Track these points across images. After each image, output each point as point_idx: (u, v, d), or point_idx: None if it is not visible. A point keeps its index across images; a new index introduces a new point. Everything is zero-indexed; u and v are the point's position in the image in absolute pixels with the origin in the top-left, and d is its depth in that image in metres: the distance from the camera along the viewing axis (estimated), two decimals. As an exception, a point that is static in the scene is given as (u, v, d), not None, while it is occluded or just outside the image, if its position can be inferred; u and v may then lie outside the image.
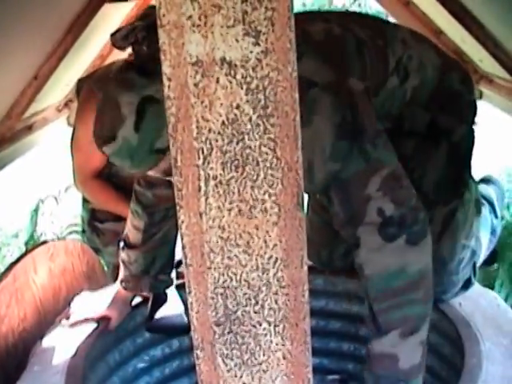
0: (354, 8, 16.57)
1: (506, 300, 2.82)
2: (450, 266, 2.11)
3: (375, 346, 1.70)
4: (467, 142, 2.08)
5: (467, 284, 2.25)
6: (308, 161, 1.64)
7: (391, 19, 3.72)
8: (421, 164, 2.01)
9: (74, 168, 2.79)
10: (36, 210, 5.01)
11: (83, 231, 3.52)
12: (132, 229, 2.35)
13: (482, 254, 2.32)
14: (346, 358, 2.68)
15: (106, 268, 3.06)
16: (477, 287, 2.48)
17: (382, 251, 1.64)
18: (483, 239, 2.31)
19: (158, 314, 2.47)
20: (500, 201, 2.71)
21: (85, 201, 3.27)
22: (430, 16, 3.36)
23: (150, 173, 1.70)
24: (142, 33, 1.61)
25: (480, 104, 3.42)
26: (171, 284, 2.48)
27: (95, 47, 3.79)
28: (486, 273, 4.10)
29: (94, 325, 2.32)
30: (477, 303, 2.29)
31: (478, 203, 2.20)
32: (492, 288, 3.41)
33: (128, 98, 1.55)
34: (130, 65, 1.62)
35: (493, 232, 2.48)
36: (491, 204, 2.59)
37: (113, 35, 1.66)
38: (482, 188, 2.66)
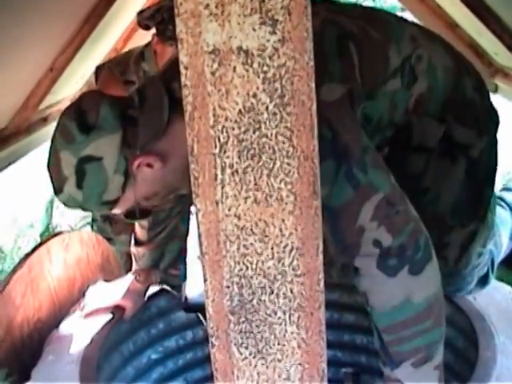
0: (368, 3, 16.53)
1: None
2: (464, 272, 2.04)
3: (389, 373, 1.59)
4: (489, 157, 1.88)
5: (484, 281, 2.16)
6: None
7: (407, 13, 3.71)
8: (436, 183, 1.84)
9: None
10: (51, 202, 5.03)
11: (93, 220, 3.53)
12: (138, 227, 2.35)
13: (503, 252, 2.24)
14: (360, 351, 2.68)
15: (118, 257, 3.07)
16: (492, 281, 2.47)
17: (384, 284, 1.51)
18: (503, 238, 2.23)
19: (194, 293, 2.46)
20: None
21: None
22: (445, 9, 3.35)
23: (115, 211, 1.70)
24: (168, 12, 1.60)
25: (495, 98, 3.43)
26: (185, 278, 2.48)
27: (110, 39, 3.81)
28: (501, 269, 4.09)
29: (109, 315, 2.33)
30: (491, 297, 2.29)
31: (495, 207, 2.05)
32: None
33: (67, 156, 1.54)
34: (74, 114, 1.57)
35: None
36: (509, 205, 2.51)
37: (139, 14, 1.66)
38: (505, 194, 2.61)
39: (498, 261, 2.24)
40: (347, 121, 1.53)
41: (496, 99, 3.49)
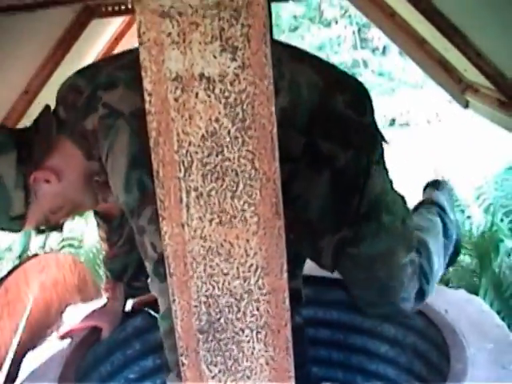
0: (343, 20, 16.67)
1: (491, 307, 2.85)
2: (394, 289, 2.07)
3: None
4: (355, 168, 1.93)
5: (420, 295, 2.17)
6: (114, 187, 1.69)
7: (376, 30, 3.75)
8: (304, 191, 1.90)
9: None
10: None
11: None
12: (100, 240, 2.39)
13: (435, 261, 2.23)
14: (335, 366, 2.71)
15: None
16: (463, 294, 2.51)
17: (156, 290, 1.66)
18: (432, 246, 2.24)
19: None
20: (450, 203, 2.63)
21: None
22: (413, 26, 3.39)
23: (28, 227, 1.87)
24: None
25: (467, 112, 3.48)
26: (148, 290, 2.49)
27: (85, 61, 3.82)
28: (469, 281, 4.14)
29: (85, 336, 2.34)
30: (463, 310, 2.32)
31: (406, 217, 2.11)
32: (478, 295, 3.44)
33: None
34: None
35: (447, 235, 2.42)
36: (442, 208, 2.53)
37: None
38: (430, 193, 2.64)
39: (437, 273, 2.24)
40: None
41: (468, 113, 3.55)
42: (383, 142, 2.05)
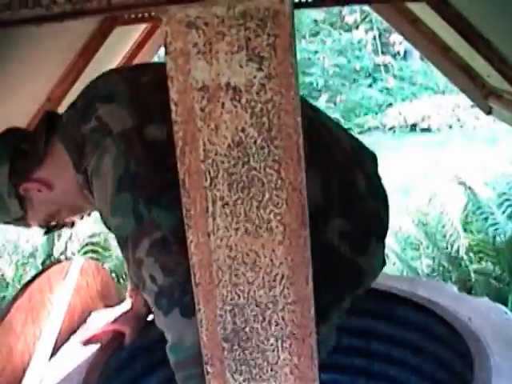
0: (364, 25, 16.66)
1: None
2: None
3: None
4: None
5: None
6: (100, 212, 1.66)
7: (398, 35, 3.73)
8: None
9: None
10: (53, 230, 5.05)
11: None
12: None
13: None
14: (360, 374, 2.70)
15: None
16: (486, 302, 2.50)
17: (162, 324, 1.58)
18: None
19: None
20: None
21: None
22: (437, 33, 3.38)
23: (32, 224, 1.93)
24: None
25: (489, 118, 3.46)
26: None
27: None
28: (493, 288, 4.11)
29: (108, 342, 2.34)
30: (487, 317, 2.31)
31: None
32: (505, 304, 3.42)
33: None
34: None
35: None
36: None
37: None
38: None
39: None
40: (159, 161, 1.57)
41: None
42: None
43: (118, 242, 1.61)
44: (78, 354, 2.33)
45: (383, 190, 1.89)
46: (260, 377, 1.20)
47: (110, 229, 1.65)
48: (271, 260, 1.10)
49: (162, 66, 1.06)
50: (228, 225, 1.08)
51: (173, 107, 1.03)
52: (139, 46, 3.99)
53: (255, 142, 1.04)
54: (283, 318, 1.15)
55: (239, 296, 1.13)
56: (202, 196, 1.07)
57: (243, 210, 1.07)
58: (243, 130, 1.04)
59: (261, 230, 1.08)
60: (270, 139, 1.04)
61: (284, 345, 1.17)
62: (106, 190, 1.58)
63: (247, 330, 1.16)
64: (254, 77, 1.01)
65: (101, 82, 1.80)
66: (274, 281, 1.12)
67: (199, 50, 1.00)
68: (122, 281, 4.78)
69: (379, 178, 1.91)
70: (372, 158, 1.96)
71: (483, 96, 3.49)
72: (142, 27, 3.86)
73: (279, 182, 1.06)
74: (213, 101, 1.03)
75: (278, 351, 1.17)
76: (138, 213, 1.54)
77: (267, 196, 1.06)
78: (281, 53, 1.00)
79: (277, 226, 1.08)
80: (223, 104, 1.03)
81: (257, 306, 1.14)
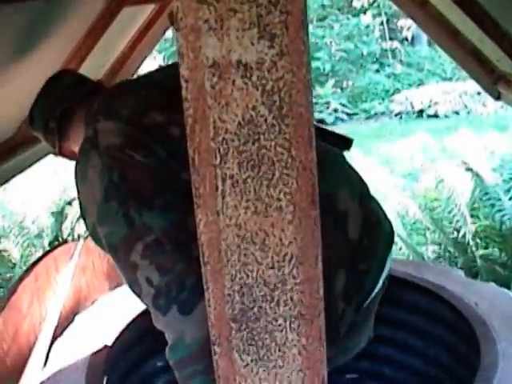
0: (372, 10, 16.60)
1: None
2: None
3: None
4: None
5: None
6: (86, 221, 1.67)
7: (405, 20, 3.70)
8: None
9: None
10: (61, 212, 5.06)
11: None
12: None
13: None
14: (364, 357, 2.69)
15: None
16: (493, 287, 2.49)
17: (161, 324, 1.56)
18: None
19: None
20: None
21: None
22: (446, 16, 3.35)
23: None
24: None
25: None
26: None
27: (115, 51, 3.83)
28: (499, 274, 4.11)
29: (116, 324, 2.35)
30: (493, 303, 2.30)
31: None
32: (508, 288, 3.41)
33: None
34: None
35: None
36: None
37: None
38: None
39: None
40: (145, 170, 1.61)
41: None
42: None
43: (110, 250, 1.60)
44: (84, 334, 2.33)
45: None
46: (268, 357, 1.20)
47: (97, 241, 1.65)
48: (280, 239, 1.10)
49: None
50: (237, 203, 1.07)
51: (183, 84, 1.02)
52: (147, 27, 3.97)
53: (266, 120, 1.03)
54: (292, 299, 1.14)
55: (248, 276, 1.13)
56: (211, 174, 1.06)
57: (253, 189, 1.07)
58: (254, 108, 1.03)
59: (270, 209, 1.08)
60: (281, 117, 1.03)
61: (292, 325, 1.16)
62: (93, 199, 1.61)
63: (255, 310, 1.16)
64: (266, 54, 1.00)
65: (119, 98, 1.84)
66: (283, 261, 1.11)
67: (210, 27, 0.99)
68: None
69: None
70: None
71: (492, 81, 3.46)
72: (149, 8, 3.83)
73: (289, 160, 1.05)
74: (223, 78, 1.01)
75: (286, 332, 1.17)
76: (129, 218, 1.55)
77: (277, 175, 1.06)
78: (293, 30, 0.99)
79: (286, 205, 1.07)
80: (234, 81, 1.02)
81: (265, 286, 1.13)
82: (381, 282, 1.83)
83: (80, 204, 1.69)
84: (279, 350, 1.19)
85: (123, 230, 1.55)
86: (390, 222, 1.92)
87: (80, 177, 1.67)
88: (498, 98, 3.49)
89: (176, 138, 1.63)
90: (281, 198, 1.07)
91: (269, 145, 1.04)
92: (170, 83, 1.65)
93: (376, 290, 1.82)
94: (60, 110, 1.95)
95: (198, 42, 1.00)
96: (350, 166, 1.94)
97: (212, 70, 1.01)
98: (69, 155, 2.02)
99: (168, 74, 1.91)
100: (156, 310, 1.55)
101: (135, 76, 1.97)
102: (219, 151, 1.05)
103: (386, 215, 1.91)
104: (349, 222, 1.75)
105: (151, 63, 13.95)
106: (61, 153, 2.02)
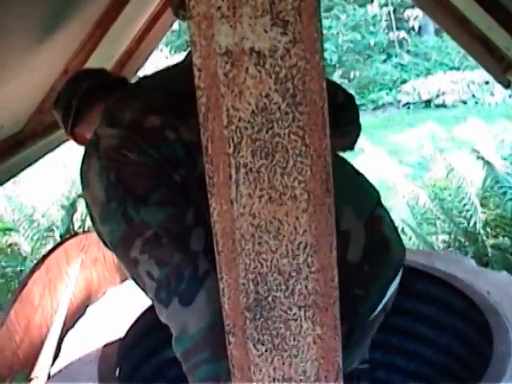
0: (378, 0, 16.54)
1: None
2: None
3: None
4: None
5: None
6: (95, 222, 1.68)
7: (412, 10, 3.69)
8: None
9: None
10: (72, 204, 5.07)
11: None
12: None
13: None
14: (376, 347, 2.69)
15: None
16: (505, 276, 2.48)
17: (164, 317, 1.58)
18: None
19: None
20: None
21: None
22: (455, 4, 3.34)
23: None
24: None
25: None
26: None
27: (123, 42, 3.83)
28: (510, 263, 4.09)
29: (127, 316, 2.35)
30: (505, 291, 2.29)
31: None
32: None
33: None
34: None
35: None
36: None
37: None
38: None
39: None
40: (139, 168, 1.64)
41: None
42: None
43: (113, 248, 1.62)
44: (96, 326, 2.33)
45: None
46: (282, 347, 1.19)
47: (103, 240, 1.67)
48: (295, 228, 1.09)
49: None
50: (251, 192, 1.07)
51: (196, 73, 1.01)
52: (155, 18, 3.97)
53: (279, 108, 1.02)
54: (306, 287, 1.14)
55: (262, 265, 1.12)
56: (225, 163, 1.05)
57: (267, 177, 1.06)
58: (267, 96, 1.02)
59: (284, 198, 1.07)
60: (295, 105, 1.02)
61: (307, 314, 1.16)
62: (96, 202, 1.63)
63: (270, 299, 1.15)
64: (279, 41, 0.99)
65: (126, 102, 1.84)
66: (298, 249, 1.11)
67: (223, 14, 0.98)
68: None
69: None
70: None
71: (502, 69, 3.45)
72: (157, 0, 3.84)
73: (304, 148, 1.04)
74: (236, 66, 1.01)
75: (300, 321, 1.16)
76: (127, 216, 1.57)
77: (291, 163, 1.05)
78: (306, 17, 0.98)
79: (301, 193, 1.07)
80: (247, 69, 1.01)
81: (280, 275, 1.13)
82: (380, 307, 1.82)
83: (86, 207, 1.71)
84: (294, 340, 1.18)
85: (122, 227, 1.57)
86: (402, 246, 1.90)
87: (84, 181, 1.69)
88: (507, 86, 3.47)
89: (171, 142, 1.66)
90: (295, 186, 1.06)
91: (282, 133, 1.03)
92: (180, 84, 1.67)
93: (373, 316, 1.82)
94: (84, 90, 1.98)
95: (211, 29, 0.99)
96: (360, 179, 1.93)
97: (225, 57, 1.00)
98: (79, 139, 2.06)
99: (180, 72, 1.92)
100: (159, 304, 1.56)
101: (151, 71, 1.97)
102: (233, 140, 1.04)
103: (399, 238, 1.90)
104: (350, 244, 1.75)
105: (158, 56, 13.96)
106: (72, 133, 2.05)
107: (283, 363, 1.21)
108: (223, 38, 0.99)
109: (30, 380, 2.23)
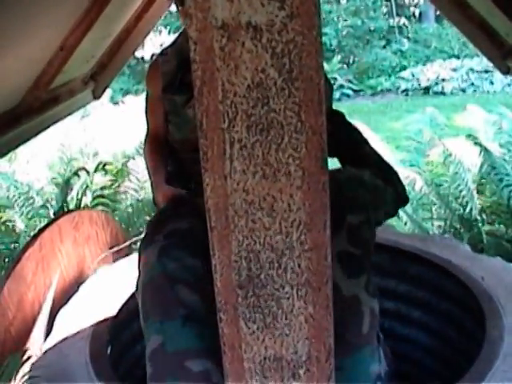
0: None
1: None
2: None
3: None
4: None
5: None
6: None
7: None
8: None
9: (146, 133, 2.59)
10: (67, 182, 5.05)
11: None
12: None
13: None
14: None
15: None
16: (499, 261, 2.48)
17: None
18: None
19: None
20: None
21: None
22: (457, -11, 3.31)
23: None
24: None
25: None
26: None
27: (120, 19, 3.80)
28: (505, 250, 4.09)
29: (119, 294, 2.34)
30: (499, 277, 2.29)
31: None
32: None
33: None
34: None
35: None
36: None
37: None
38: None
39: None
40: None
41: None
42: None
43: None
44: (88, 304, 2.33)
45: None
46: (274, 325, 1.19)
47: None
48: (289, 205, 1.08)
49: None
50: (245, 168, 1.06)
51: (192, 46, 1.00)
52: (150, 1, 3.94)
53: (275, 84, 1.01)
54: (299, 265, 1.13)
55: (255, 242, 1.11)
56: (219, 138, 1.04)
57: (261, 153, 1.05)
58: (263, 71, 1.01)
59: (279, 174, 1.06)
60: (291, 81, 1.01)
61: (299, 293, 1.15)
62: None
63: (262, 276, 1.14)
64: (276, 16, 0.98)
65: None
66: (291, 227, 1.10)
67: (220, -13, 0.97)
68: (130, 229, 4.76)
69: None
70: None
71: (502, 55, 3.42)
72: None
73: (299, 124, 1.03)
74: (233, 40, 1.00)
75: (293, 299, 1.16)
76: None
77: (286, 139, 1.04)
78: (304, -9, 0.97)
79: (295, 170, 1.06)
80: (243, 43, 1.00)
81: (273, 253, 1.12)
82: None
83: None
84: (286, 318, 1.18)
85: None
86: None
87: None
88: (507, 72, 3.45)
89: None
90: (289, 162, 1.05)
91: (278, 108, 1.02)
92: None
93: None
94: None
95: (207, 2, 0.98)
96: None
97: (221, 31, 0.99)
98: None
99: None
100: None
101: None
102: (227, 114, 1.03)
103: None
104: None
105: (156, 38, 13.89)
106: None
107: (274, 342, 1.20)
108: (220, 11, 0.98)
109: (28, 359, 2.22)
